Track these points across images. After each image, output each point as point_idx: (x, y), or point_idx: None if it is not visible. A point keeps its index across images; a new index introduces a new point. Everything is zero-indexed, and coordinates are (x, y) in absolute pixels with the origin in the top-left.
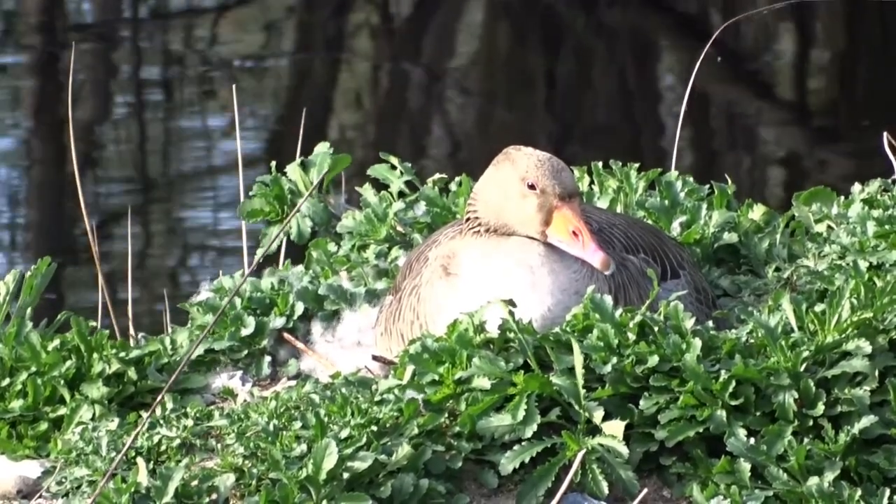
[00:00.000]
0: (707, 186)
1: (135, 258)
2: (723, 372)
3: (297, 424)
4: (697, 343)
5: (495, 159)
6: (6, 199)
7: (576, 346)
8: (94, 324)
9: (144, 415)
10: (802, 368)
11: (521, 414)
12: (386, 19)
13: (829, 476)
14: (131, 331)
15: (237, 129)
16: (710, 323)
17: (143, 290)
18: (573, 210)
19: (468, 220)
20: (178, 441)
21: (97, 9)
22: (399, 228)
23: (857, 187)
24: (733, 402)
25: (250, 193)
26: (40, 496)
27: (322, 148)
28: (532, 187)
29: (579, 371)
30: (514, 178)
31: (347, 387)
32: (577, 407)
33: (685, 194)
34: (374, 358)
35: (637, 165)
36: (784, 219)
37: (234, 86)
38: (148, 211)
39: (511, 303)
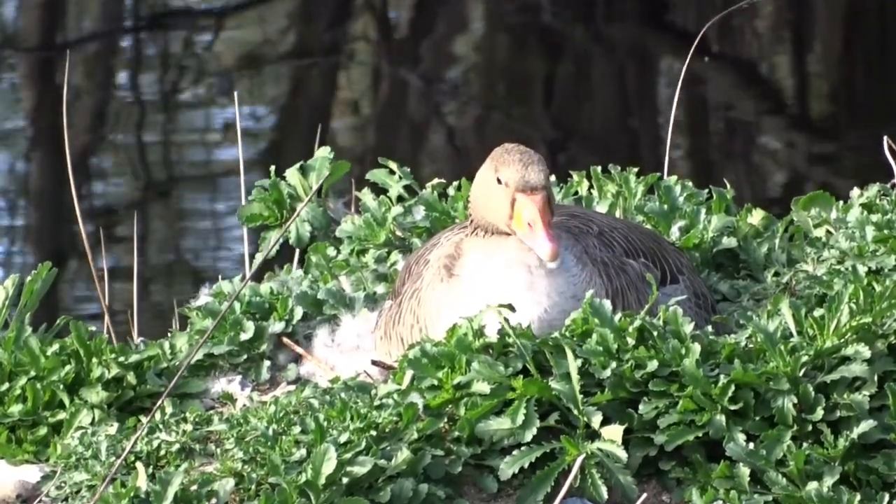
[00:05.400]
0: (706, 191)
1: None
2: (722, 377)
3: (297, 429)
4: (696, 348)
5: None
6: (7, 203)
7: (569, 352)
8: (92, 328)
9: (144, 419)
10: (801, 373)
11: (520, 418)
12: (385, 27)
13: (829, 481)
14: (135, 338)
15: (238, 134)
16: (710, 328)
17: (142, 294)
18: (533, 201)
19: (470, 221)
20: (177, 446)
21: (97, 15)
22: (398, 233)
23: (855, 192)
24: (732, 407)
25: (249, 198)
26: (40, 501)
27: (322, 153)
28: (500, 181)
29: (574, 376)
30: (492, 173)
31: (347, 391)
32: (575, 412)
33: (684, 199)
34: (374, 362)
35: (636, 170)
36: (783, 223)
37: (235, 93)
38: (148, 216)
39: (510, 307)
